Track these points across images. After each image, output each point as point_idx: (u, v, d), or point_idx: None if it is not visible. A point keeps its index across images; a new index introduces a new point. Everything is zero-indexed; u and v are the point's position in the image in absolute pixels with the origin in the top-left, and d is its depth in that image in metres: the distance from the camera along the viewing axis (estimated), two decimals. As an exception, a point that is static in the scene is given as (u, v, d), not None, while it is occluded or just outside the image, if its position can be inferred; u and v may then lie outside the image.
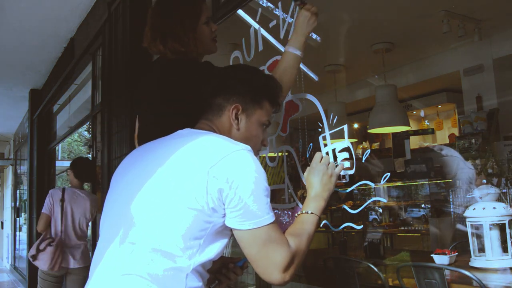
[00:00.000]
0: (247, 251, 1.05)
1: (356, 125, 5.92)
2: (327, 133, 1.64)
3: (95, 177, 3.91)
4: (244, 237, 1.04)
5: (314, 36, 1.56)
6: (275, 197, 2.17)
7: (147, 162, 1.14)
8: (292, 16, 1.75)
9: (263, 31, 1.91)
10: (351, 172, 1.56)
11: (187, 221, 1.01)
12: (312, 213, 1.22)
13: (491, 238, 2.21)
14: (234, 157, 1.04)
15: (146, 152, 1.20)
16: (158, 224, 1.03)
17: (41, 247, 3.46)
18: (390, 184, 4.53)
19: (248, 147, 1.08)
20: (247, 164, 1.04)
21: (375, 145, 5.96)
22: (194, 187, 1.02)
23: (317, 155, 1.37)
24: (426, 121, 5.83)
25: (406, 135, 5.13)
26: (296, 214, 1.24)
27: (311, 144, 1.75)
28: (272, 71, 1.61)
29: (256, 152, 1.23)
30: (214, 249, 1.05)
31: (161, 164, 1.09)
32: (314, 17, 1.54)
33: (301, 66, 1.75)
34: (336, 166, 1.36)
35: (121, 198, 1.14)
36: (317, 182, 1.30)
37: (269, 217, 1.05)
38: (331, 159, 1.61)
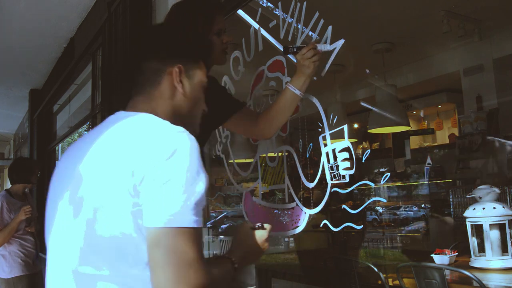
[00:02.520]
0: (155, 251, 0.82)
1: (356, 125, 5.92)
2: (327, 133, 1.64)
3: (29, 177, 3.66)
4: (157, 234, 0.83)
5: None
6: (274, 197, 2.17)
7: (78, 164, 0.96)
8: (292, 16, 1.75)
9: (263, 31, 1.91)
10: (351, 172, 1.56)
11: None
12: (234, 260, 1.01)
13: (491, 238, 2.22)
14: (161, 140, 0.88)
15: (81, 151, 0.99)
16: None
17: None
18: (390, 184, 4.53)
19: (180, 129, 0.91)
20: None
21: (375, 145, 5.96)
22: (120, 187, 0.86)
23: (268, 228, 1.13)
24: (426, 121, 5.83)
25: (406, 135, 5.13)
26: (218, 256, 1.05)
27: (311, 144, 1.75)
28: (270, 105, 1.64)
29: (198, 118, 1.12)
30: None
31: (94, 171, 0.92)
32: (316, 58, 1.50)
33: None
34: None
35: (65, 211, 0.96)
36: (258, 251, 1.10)
37: (195, 221, 0.83)
38: (331, 159, 1.61)
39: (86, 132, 1.14)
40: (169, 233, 0.81)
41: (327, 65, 1.61)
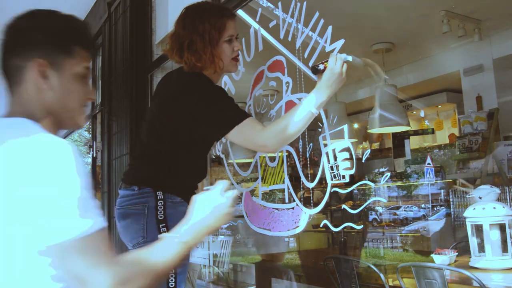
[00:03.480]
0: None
1: (356, 125, 5.92)
2: (327, 133, 1.64)
3: None
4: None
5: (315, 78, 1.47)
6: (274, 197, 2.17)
7: None
8: (292, 16, 1.75)
9: (263, 31, 1.91)
10: (351, 172, 1.56)
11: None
12: (184, 242, 0.95)
13: (491, 238, 2.21)
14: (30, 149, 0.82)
15: None
16: None
17: None
18: (390, 184, 4.53)
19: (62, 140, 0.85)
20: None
21: (375, 145, 5.96)
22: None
23: (222, 184, 1.05)
24: (426, 121, 5.83)
25: (406, 135, 5.13)
26: (160, 235, 0.97)
27: (311, 144, 1.75)
28: (286, 113, 1.50)
29: (82, 109, 1.01)
30: None
31: None
32: (343, 74, 1.38)
33: (301, 66, 1.76)
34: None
35: None
36: (212, 213, 1.01)
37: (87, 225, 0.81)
38: (331, 159, 1.61)
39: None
40: (65, 247, 0.79)
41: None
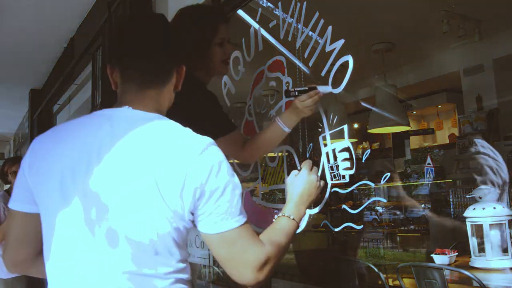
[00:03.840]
0: (216, 253, 0.97)
1: (356, 125, 5.92)
2: (327, 133, 1.64)
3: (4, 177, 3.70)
4: (212, 240, 0.96)
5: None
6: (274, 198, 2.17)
7: (94, 162, 0.95)
8: (292, 16, 1.75)
9: (263, 31, 1.91)
10: (351, 172, 1.56)
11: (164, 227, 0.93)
12: (293, 219, 1.15)
13: (491, 238, 2.21)
14: (204, 157, 0.94)
15: (86, 139, 0.99)
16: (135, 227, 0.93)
17: None
18: (390, 184, 4.53)
19: (211, 140, 0.99)
20: (217, 163, 0.95)
21: (375, 145, 5.96)
22: (169, 190, 0.92)
23: (307, 164, 1.31)
24: (426, 121, 5.83)
25: (406, 135, 5.13)
26: (276, 216, 1.18)
27: (311, 144, 1.75)
28: (256, 135, 1.71)
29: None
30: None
31: (128, 161, 0.94)
32: (313, 106, 1.54)
33: (301, 66, 1.76)
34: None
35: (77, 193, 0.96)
36: (305, 190, 1.25)
37: (239, 220, 0.96)
38: (331, 159, 1.62)
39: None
40: (231, 233, 0.95)
41: (327, 65, 1.60)
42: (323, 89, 1.53)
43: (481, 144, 2.95)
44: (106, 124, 1.00)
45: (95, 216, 0.93)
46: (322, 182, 1.31)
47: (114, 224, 0.92)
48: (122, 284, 0.92)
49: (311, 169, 1.30)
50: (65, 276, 0.96)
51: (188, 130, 1.00)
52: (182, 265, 0.98)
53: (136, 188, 0.92)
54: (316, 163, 1.68)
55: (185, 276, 0.99)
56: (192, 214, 0.95)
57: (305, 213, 1.25)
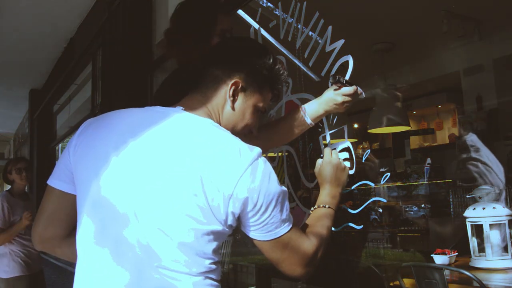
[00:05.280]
0: (269, 255, 1.02)
1: (356, 125, 5.92)
2: (327, 133, 1.64)
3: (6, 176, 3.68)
4: (265, 245, 1.01)
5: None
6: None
7: (138, 152, 0.96)
8: (292, 16, 1.75)
9: (263, 31, 1.91)
10: (351, 172, 1.56)
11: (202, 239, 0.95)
12: (329, 207, 1.22)
13: (491, 238, 2.21)
14: (255, 167, 0.94)
15: (131, 134, 0.99)
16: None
17: None
18: (390, 184, 4.53)
19: (260, 151, 0.99)
20: (267, 174, 0.97)
21: (375, 145, 5.96)
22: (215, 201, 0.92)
23: (327, 150, 1.36)
24: (425, 121, 5.82)
25: (406, 135, 5.13)
26: (312, 208, 1.24)
27: (311, 144, 1.75)
28: (273, 121, 1.55)
29: (240, 136, 1.11)
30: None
31: (165, 162, 0.94)
32: (344, 106, 1.42)
33: (301, 66, 1.76)
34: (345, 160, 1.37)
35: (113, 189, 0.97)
36: (332, 176, 1.30)
37: (288, 224, 1.01)
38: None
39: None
40: (281, 240, 0.99)
41: (327, 65, 1.60)
42: (360, 91, 1.43)
43: (474, 147, 2.95)
44: (157, 118, 1.00)
45: (130, 207, 0.93)
46: (348, 163, 1.35)
47: (150, 217, 0.93)
48: (152, 276, 0.92)
49: (331, 155, 1.34)
50: (95, 263, 0.97)
51: (238, 138, 1.01)
52: (213, 266, 0.98)
53: (178, 183, 0.92)
54: (316, 163, 1.69)
55: (215, 276, 1.00)
56: (236, 220, 0.97)
57: (340, 197, 1.28)
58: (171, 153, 0.94)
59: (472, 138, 3.29)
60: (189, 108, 1.05)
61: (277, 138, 1.50)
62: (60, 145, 6.03)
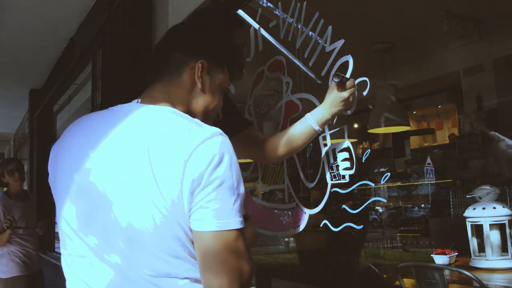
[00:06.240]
0: (206, 250, 0.87)
1: (356, 125, 5.92)
2: (327, 133, 1.63)
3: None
4: (208, 237, 0.86)
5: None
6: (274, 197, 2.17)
7: (101, 151, 0.95)
8: (292, 16, 1.75)
9: (263, 31, 1.91)
10: (351, 172, 1.56)
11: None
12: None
13: (491, 238, 2.21)
14: (211, 143, 0.88)
15: (94, 135, 0.98)
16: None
17: None
18: (390, 184, 4.53)
19: (218, 131, 0.92)
20: (222, 153, 0.88)
21: (375, 145, 5.96)
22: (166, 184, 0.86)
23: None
24: (425, 121, 5.83)
25: (406, 135, 5.13)
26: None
27: (311, 144, 1.75)
28: (280, 132, 1.52)
29: (212, 121, 1.09)
30: None
31: (125, 157, 0.92)
32: (350, 100, 1.40)
33: (301, 66, 1.76)
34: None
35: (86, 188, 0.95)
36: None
37: (241, 222, 0.88)
38: (331, 159, 1.62)
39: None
40: (222, 236, 0.86)
41: (327, 65, 1.60)
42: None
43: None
44: (117, 115, 0.99)
45: (97, 208, 0.92)
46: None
47: (117, 214, 0.91)
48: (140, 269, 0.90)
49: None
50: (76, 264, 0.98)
51: (194, 120, 0.95)
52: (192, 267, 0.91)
53: (132, 175, 0.89)
54: (316, 163, 1.69)
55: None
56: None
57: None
58: (127, 149, 0.92)
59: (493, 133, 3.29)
60: (148, 98, 1.03)
61: (288, 150, 1.49)
62: (60, 145, 6.03)
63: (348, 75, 1.46)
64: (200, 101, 1.06)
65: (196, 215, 0.86)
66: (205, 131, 0.90)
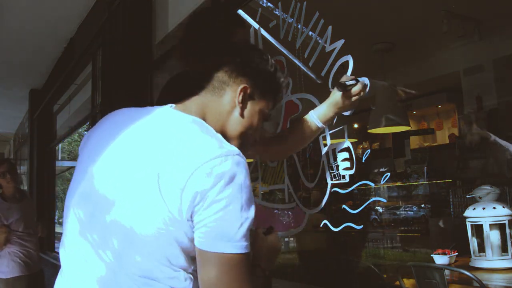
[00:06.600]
0: (206, 272, 0.86)
1: (356, 125, 5.92)
2: (327, 133, 1.63)
3: None
4: (209, 258, 0.86)
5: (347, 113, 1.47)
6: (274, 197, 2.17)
7: (124, 150, 0.96)
8: (292, 16, 1.75)
9: (263, 31, 1.91)
10: (351, 172, 1.56)
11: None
12: (267, 273, 1.08)
13: (491, 238, 2.21)
14: (223, 162, 0.86)
15: (120, 136, 0.99)
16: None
17: None
18: (390, 184, 4.53)
19: (235, 150, 0.90)
20: (233, 175, 0.86)
21: (375, 145, 5.96)
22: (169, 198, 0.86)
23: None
24: (426, 121, 5.83)
25: (406, 135, 5.13)
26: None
27: (311, 144, 1.75)
28: (285, 130, 1.54)
29: (249, 147, 1.09)
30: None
31: (139, 162, 0.92)
32: (355, 101, 1.37)
33: (301, 66, 1.76)
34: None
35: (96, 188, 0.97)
36: (273, 252, 1.14)
37: (246, 247, 0.86)
38: (331, 159, 1.62)
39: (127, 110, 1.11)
40: (222, 258, 0.84)
41: (327, 65, 1.60)
42: (365, 81, 1.40)
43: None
44: (140, 115, 1.01)
45: (99, 209, 0.94)
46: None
47: (118, 216, 0.92)
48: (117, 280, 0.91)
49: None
50: (73, 262, 0.99)
51: (216, 135, 0.94)
52: (183, 275, 0.90)
53: (139, 180, 0.89)
54: (316, 163, 1.69)
55: None
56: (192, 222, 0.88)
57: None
58: (145, 149, 0.93)
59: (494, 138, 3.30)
60: (182, 106, 1.03)
61: (293, 147, 1.50)
62: (60, 145, 6.02)
63: (348, 75, 1.46)
64: (237, 126, 1.05)
65: (199, 232, 0.86)
66: (221, 148, 0.88)
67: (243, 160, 0.89)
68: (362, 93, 1.36)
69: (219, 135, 0.95)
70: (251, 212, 0.88)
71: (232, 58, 1.08)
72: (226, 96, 1.04)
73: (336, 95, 1.38)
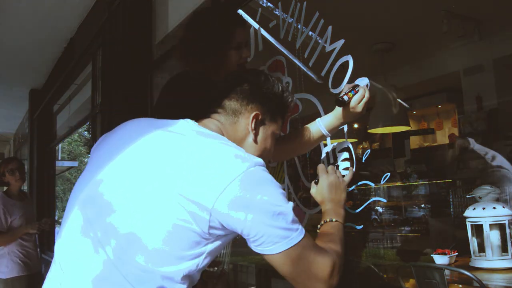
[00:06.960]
0: (281, 271, 0.98)
1: (356, 125, 5.91)
2: (327, 133, 1.63)
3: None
4: (273, 260, 0.96)
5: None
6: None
7: (140, 159, 0.99)
8: (292, 16, 1.75)
9: (263, 31, 1.91)
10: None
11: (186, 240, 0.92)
12: (337, 221, 1.18)
13: (491, 238, 2.21)
14: (248, 177, 0.93)
15: (138, 142, 1.03)
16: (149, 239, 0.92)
17: None
18: (390, 184, 4.53)
19: (261, 161, 0.98)
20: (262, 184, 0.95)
21: (375, 145, 5.96)
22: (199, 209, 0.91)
23: (321, 168, 1.33)
24: (426, 121, 5.82)
25: (406, 135, 5.13)
26: (318, 226, 1.21)
27: (311, 144, 1.75)
28: (290, 134, 1.59)
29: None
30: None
31: (161, 169, 0.95)
32: (362, 107, 1.38)
33: (301, 66, 1.76)
34: (343, 171, 1.36)
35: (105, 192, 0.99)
36: (332, 195, 1.26)
37: (298, 234, 0.96)
38: (331, 159, 1.62)
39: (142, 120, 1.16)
40: (282, 256, 0.94)
41: (327, 65, 1.60)
42: (363, 82, 1.42)
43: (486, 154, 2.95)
44: (170, 126, 1.05)
45: (104, 212, 0.95)
46: (346, 177, 1.34)
47: (118, 222, 0.94)
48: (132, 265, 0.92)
49: (327, 172, 1.31)
50: (68, 258, 1.00)
51: (239, 149, 1.00)
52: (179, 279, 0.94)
53: (155, 191, 0.92)
54: (316, 163, 1.69)
55: None
56: (219, 229, 0.94)
57: (344, 214, 1.26)
58: (164, 164, 0.96)
59: (477, 147, 3.29)
60: (202, 125, 1.07)
61: (296, 151, 1.55)
62: (60, 145, 6.02)
63: (348, 75, 1.46)
64: (252, 151, 1.10)
65: (254, 245, 0.94)
66: (243, 164, 0.94)
67: (262, 166, 0.98)
68: (364, 99, 1.36)
69: (241, 150, 1.00)
70: (283, 205, 0.95)
71: (240, 86, 1.12)
72: (240, 124, 1.10)
73: (339, 109, 1.40)
